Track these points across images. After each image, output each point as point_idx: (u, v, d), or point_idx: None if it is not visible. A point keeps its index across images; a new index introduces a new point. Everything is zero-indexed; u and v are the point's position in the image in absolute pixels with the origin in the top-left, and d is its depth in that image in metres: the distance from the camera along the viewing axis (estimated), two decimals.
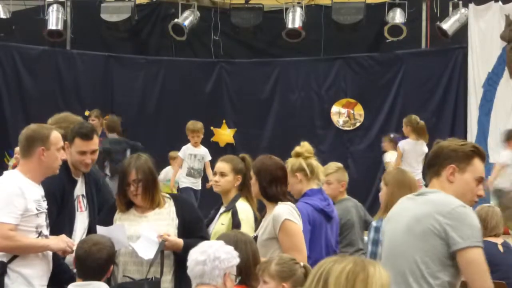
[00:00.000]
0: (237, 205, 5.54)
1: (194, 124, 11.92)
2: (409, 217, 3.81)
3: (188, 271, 3.83)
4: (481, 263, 3.70)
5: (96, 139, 5.34)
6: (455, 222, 3.68)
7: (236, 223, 5.39)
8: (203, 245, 3.86)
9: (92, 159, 5.27)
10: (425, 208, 3.78)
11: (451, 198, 3.79)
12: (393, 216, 3.97)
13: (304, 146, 5.64)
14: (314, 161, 5.64)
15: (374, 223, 5.78)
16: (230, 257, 3.78)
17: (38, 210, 4.78)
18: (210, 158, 11.96)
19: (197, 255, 3.79)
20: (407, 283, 3.73)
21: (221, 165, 5.68)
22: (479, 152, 3.94)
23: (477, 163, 3.91)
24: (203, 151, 11.96)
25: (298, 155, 5.59)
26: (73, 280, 4.70)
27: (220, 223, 5.47)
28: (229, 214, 5.48)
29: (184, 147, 11.98)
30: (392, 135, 13.02)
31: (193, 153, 11.89)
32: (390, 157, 12.44)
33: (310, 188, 5.62)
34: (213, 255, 3.75)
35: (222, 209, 5.69)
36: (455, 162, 3.88)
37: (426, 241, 3.71)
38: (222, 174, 5.65)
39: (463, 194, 3.85)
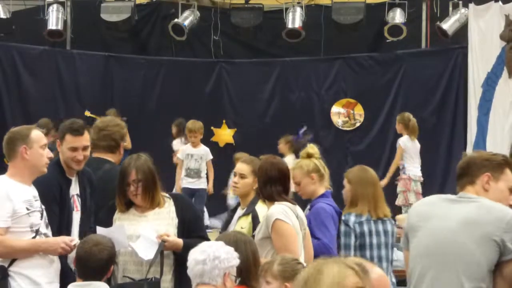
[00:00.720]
0: (256, 209, 5.44)
1: (193, 124, 11.91)
2: (462, 218, 3.87)
3: (188, 271, 3.83)
4: None
5: (87, 135, 5.30)
6: None
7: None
8: (203, 245, 3.85)
9: (84, 155, 5.23)
10: (483, 213, 3.86)
11: (504, 206, 3.90)
12: (431, 215, 4.00)
13: (314, 148, 5.66)
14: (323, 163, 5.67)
15: (342, 217, 5.80)
16: (230, 257, 3.78)
17: (28, 209, 4.78)
18: (211, 157, 11.95)
19: (197, 254, 3.79)
20: (460, 282, 3.79)
21: (241, 167, 5.56)
22: (509, 162, 4.10)
23: (509, 173, 4.06)
24: (202, 151, 11.93)
25: (310, 156, 5.59)
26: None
27: (240, 226, 5.35)
28: (249, 218, 5.37)
29: (183, 147, 11.99)
30: (291, 136, 13.03)
31: (190, 153, 11.89)
32: (290, 161, 12.34)
33: (322, 189, 5.62)
34: (212, 255, 3.74)
35: (239, 211, 5.62)
36: (489, 171, 4.02)
37: (484, 245, 3.79)
38: (242, 176, 5.52)
39: (498, 202, 3.94)
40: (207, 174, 12.11)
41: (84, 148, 5.23)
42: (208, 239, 4.96)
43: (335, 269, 2.38)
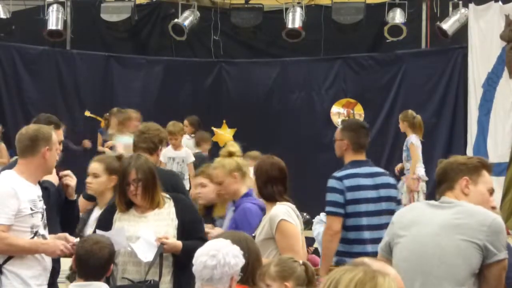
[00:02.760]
0: None
1: (173, 126, 11.54)
2: (444, 223, 3.86)
3: (194, 271, 3.78)
4: (504, 273, 3.84)
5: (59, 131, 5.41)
6: (495, 234, 3.79)
7: None
8: (211, 248, 3.77)
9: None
10: (464, 217, 3.84)
11: (485, 209, 3.88)
12: (414, 222, 3.99)
13: (235, 146, 5.62)
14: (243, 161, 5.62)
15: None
16: (238, 261, 3.75)
17: (32, 210, 4.78)
18: (192, 159, 11.62)
19: (206, 258, 3.71)
20: (442, 287, 3.79)
21: (93, 166, 5.63)
22: (486, 164, 4.07)
23: (486, 175, 4.03)
24: (183, 153, 11.60)
25: (231, 154, 5.52)
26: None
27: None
28: None
29: (164, 150, 11.72)
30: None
31: (171, 156, 11.51)
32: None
33: (245, 188, 5.58)
34: (223, 261, 3.69)
35: (97, 211, 5.60)
36: (467, 175, 3.98)
37: (466, 249, 3.78)
38: (95, 175, 5.58)
39: (479, 205, 3.92)
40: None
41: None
42: (207, 241, 4.96)
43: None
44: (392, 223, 4.13)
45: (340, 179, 5.68)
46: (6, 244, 4.71)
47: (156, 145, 6.05)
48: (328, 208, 5.72)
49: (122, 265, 4.98)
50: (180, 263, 4.96)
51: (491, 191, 4.03)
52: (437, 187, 4.07)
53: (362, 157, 5.88)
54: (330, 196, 5.70)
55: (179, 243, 4.93)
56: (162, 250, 4.89)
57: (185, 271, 4.90)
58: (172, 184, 5.81)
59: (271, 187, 5.14)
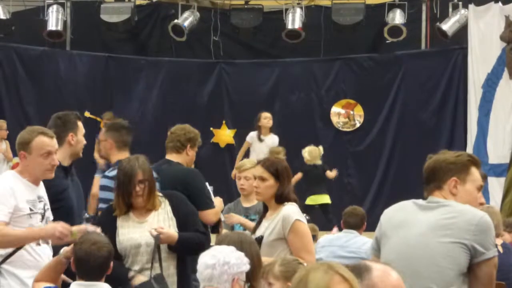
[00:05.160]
0: None
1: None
2: (432, 224, 3.84)
3: (198, 274, 3.82)
4: (495, 271, 3.83)
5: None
6: (483, 232, 3.77)
7: None
8: (214, 249, 3.83)
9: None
10: (452, 217, 3.82)
11: (473, 208, 3.86)
12: (403, 222, 3.96)
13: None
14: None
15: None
16: (240, 262, 3.76)
17: (31, 210, 4.79)
18: None
19: (207, 258, 3.76)
20: None
21: None
22: (475, 161, 4.02)
23: (475, 172, 3.98)
24: None
25: None
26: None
27: None
28: None
29: None
30: None
31: None
32: None
33: None
34: (222, 260, 3.72)
35: None
36: (456, 175, 3.94)
37: (454, 249, 3.76)
38: None
39: (468, 204, 3.90)
40: None
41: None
42: (203, 233, 5.01)
43: (318, 275, 2.41)
44: (380, 222, 4.11)
45: (112, 178, 5.71)
46: (3, 235, 4.69)
47: (183, 144, 6.32)
48: (101, 205, 5.83)
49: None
50: (182, 256, 5.02)
51: (480, 188, 4.00)
52: (425, 184, 4.03)
53: (127, 155, 5.92)
54: (103, 194, 5.87)
55: (175, 233, 4.96)
56: (158, 241, 4.89)
57: (188, 265, 4.95)
58: (184, 181, 5.99)
59: (290, 186, 5.17)
